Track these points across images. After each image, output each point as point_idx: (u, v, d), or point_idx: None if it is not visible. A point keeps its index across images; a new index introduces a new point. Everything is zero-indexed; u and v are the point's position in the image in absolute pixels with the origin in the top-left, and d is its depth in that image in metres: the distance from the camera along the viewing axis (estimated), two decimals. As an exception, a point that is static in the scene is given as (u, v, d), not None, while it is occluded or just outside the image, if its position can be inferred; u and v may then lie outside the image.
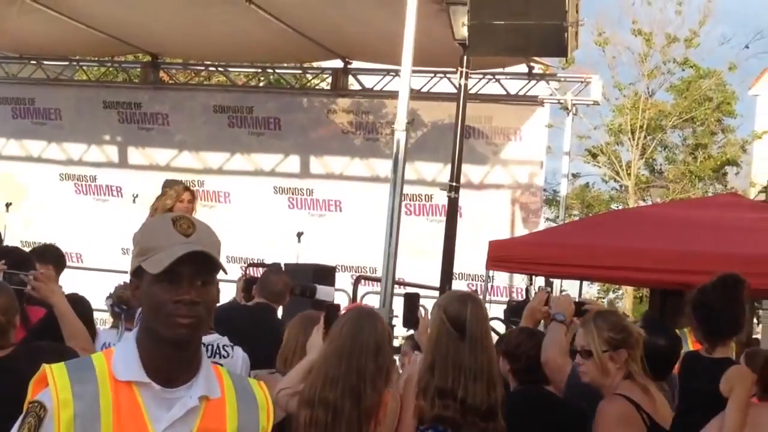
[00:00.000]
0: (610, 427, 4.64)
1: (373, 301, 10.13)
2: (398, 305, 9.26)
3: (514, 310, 8.97)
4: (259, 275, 8.68)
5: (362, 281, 12.53)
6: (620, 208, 29.22)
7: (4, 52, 16.79)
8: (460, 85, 10.30)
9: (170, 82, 17.49)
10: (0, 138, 17.01)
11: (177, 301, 2.55)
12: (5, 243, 14.04)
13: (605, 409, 4.70)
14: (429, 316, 5.34)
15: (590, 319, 5.05)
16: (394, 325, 8.33)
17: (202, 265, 2.57)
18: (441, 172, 14.25)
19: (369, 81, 15.77)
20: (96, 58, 17.36)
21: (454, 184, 10.13)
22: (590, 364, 4.87)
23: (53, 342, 4.88)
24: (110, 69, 18.05)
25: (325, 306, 5.76)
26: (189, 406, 2.60)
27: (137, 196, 15.07)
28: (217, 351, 6.23)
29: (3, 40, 15.58)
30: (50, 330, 5.17)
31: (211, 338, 6.24)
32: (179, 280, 2.56)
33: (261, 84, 17.75)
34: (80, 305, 6.11)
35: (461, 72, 10.28)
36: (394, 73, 14.65)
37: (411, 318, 6.33)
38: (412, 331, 6.82)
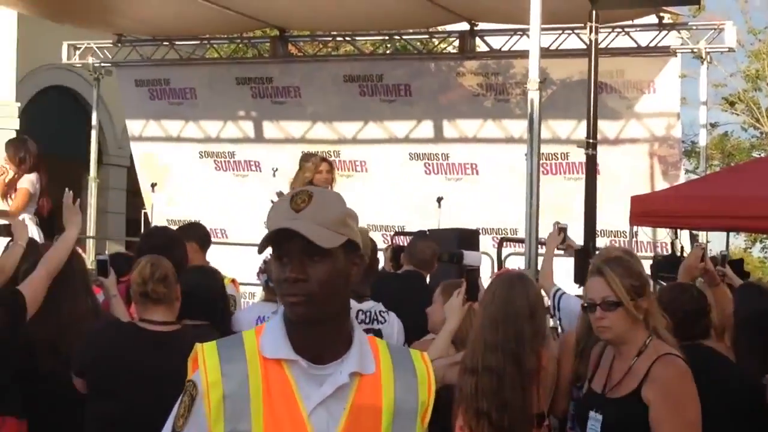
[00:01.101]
0: (688, 389, 4.08)
1: (518, 263, 10.09)
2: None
3: (660, 266, 8.82)
4: (405, 244, 8.77)
5: (505, 243, 12.49)
6: (762, 156, 28.37)
7: (138, 35, 17.13)
8: (590, 40, 10.13)
9: (299, 54, 17.63)
10: (140, 120, 17.34)
11: (285, 279, 2.53)
12: (153, 223, 14.58)
13: (670, 372, 4.10)
14: None
15: (603, 265, 4.26)
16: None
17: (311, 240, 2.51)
18: (575, 129, 14.06)
19: (496, 42, 15.64)
20: (225, 36, 17.63)
21: (591, 140, 10.01)
22: (616, 316, 4.15)
23: None
24: (240, 45, 18.29)
25: (465, 270, 5.79)
26: (339, 383, 2.56)
27: (277, 169, 15.28)
28: (375, 317, 6.33)
29: (136, 24, 15.94)
30: None
31: (368, 305, 6.36)
32: (288, 257, 2.53)
33: (388, 51, 17.78)
34: (208, 279, 6.27)
35: (591, 27, 10.12)
36: (521, 33, 14.51)
37: (582, 274, 6.01)
38: None
